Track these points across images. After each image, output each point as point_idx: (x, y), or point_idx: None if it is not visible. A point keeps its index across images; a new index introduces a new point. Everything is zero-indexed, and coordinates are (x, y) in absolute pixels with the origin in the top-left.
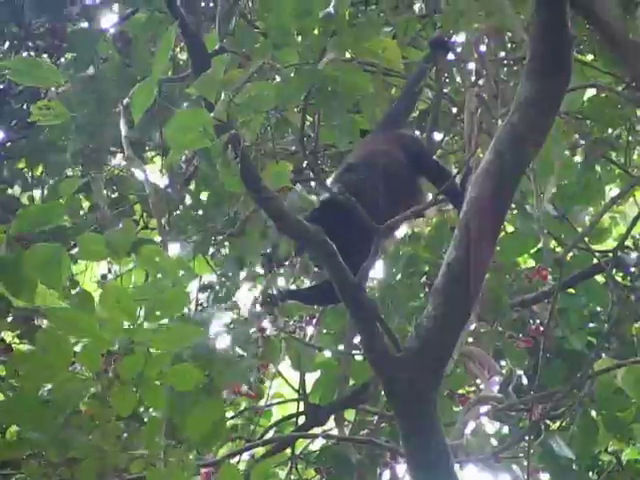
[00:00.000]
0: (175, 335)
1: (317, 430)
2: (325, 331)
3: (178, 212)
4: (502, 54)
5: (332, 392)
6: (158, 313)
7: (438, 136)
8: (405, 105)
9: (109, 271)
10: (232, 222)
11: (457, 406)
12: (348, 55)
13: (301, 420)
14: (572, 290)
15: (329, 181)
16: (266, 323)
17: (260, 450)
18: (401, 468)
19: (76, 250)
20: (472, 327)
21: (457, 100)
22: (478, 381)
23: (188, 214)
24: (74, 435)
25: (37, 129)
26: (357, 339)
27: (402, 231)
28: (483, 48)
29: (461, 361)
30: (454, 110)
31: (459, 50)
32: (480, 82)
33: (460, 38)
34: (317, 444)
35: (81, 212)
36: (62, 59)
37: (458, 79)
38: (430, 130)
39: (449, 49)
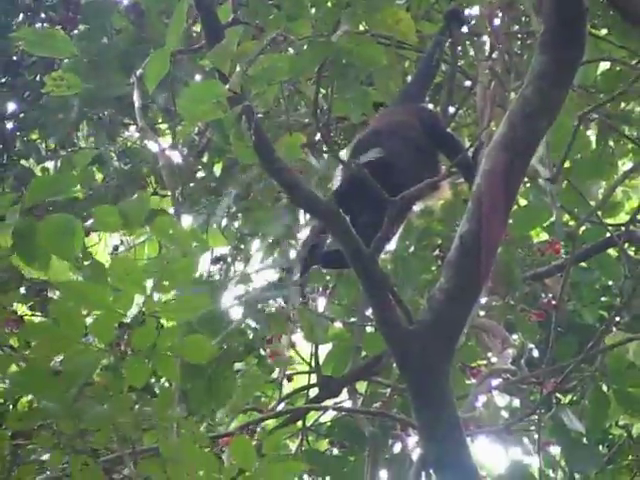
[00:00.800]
0: (185, 305)
1: (329, 402)
2: (337, 302)
3: (191, 184)
4: (516, 27)
5: (344, 364)
6: (166, 283)
7: (452, 109)
8: (423, 78)
9: (121, 243)
10: (245, 194)
11: (469, 379)
12: (362, 27)
13: (313, 392)
14: (584, 264)
15: (351, 148)
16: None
17: (271, 423)
18: (412, 440)
19: (90, 222)
20: (484, 300)
21: (471, 73)
22: (490, 354)
23: (201, 186)
24: (87, 406)
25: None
26: (369, 311)
27: (419, 205)
28: (497, 21)
29: (474, 334)
30: (468, 83)
31: (473, 23)
32: (493, 55)
33: (474, 11)
34: (328, 416)
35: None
36: (76, 31)
37: (472, 52)
38: (445, 103)
39: (464, 22)
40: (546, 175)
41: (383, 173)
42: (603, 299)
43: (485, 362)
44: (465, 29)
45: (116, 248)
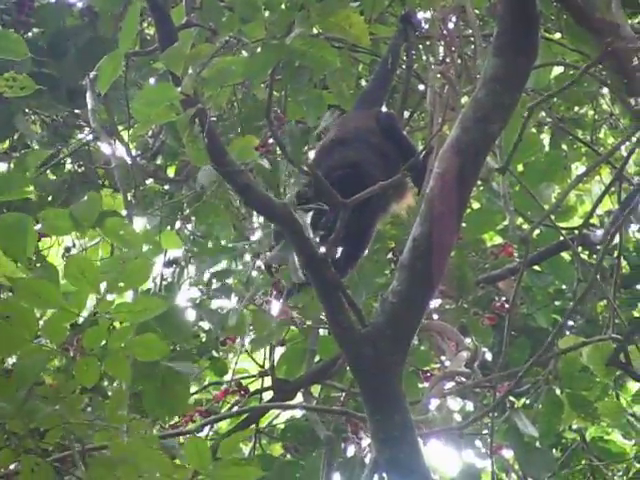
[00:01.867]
0: (139, 307)
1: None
2: (291, 305)
3: (144, 186)
4: (469, 31)
5: (298, 367)
6: (121, 285)
7: (406, 113)
8: (380, 83)
9: (73, 245)
10: (199, 196)
11: (422, 382)
12: (315, 30)
13: (267, 396)
14: (538, 267)
15: (312, 155)
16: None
17: (224, 426)
18: (365, 443)
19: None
20: (437, 303)
21: (425, 77)
22: (443, 358)
23: (154, 188)
24: (38, 406)
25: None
26: (323, 314)
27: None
28: (450, 25)
29: (427, 337)
30: (422, 87)
31: (427, 27)
32: (446, 59)
33: (428, 15)
34: (281, 420)
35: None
36: (29, 34)
37: (425, 56)
38: (399, 107)
39: (418, 26)
40: (495, 165)
41: (353, 178)
42: (556, 303)
43: (438, 366)
44: (419, 33)
45: (68, 250)
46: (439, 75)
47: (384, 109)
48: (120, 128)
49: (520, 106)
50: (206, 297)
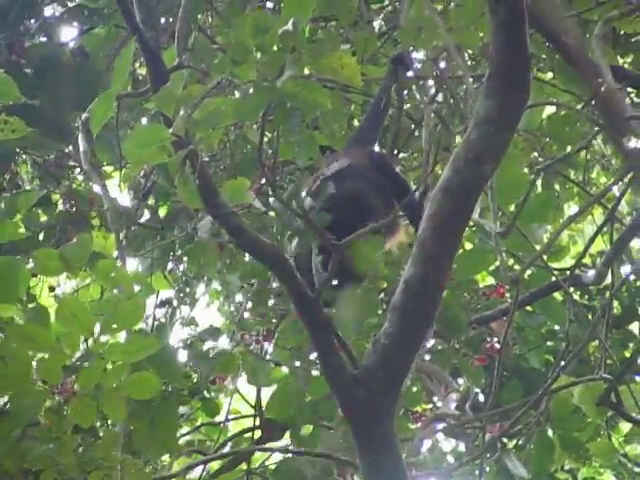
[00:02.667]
0: (132, 347)
1: (273, 445)
2: (282, 346)
3: (136, 227)
4: (460, 72)
5: (288, 407)
6: (115, 326)
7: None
8: (372, 123)
9: (58, 284)
10: (190, 237)
11: (412, 423)
12: (307, 71)
13: (257, 435)
14: (530, 308)
15: (314, 191)
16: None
17: (214, 465)
18: None
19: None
20: (429, 345)
21: (416, 116)
22: (435, 398)
23: (146, 229)
24: (31, 446)
25: None
26: (314, 355)
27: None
28: (442, 65)
29: (417, 379)
30: (412, 127)
31: (419, 67)
32: (438, 98)
33: (420, 55)
34: (273, 460)
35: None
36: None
37: (417, 96)
38: (391, 146)
39: (410, 66)
40: (492, 226)
41: (357, 211)
42: (549, 343)
43: (429, 406)
44: (411, 73)
45: (52, 289)
46: (433, 114)
47: (376, 149)
48: (112, 169)
49: (513, 147)
50: (197, 338)
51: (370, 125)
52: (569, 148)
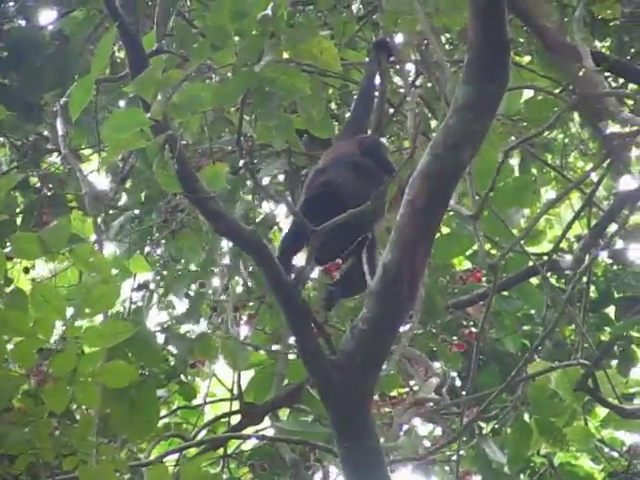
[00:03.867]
0: (108, 331)
1: (251, 429)
2: (261, 330)
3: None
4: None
5: (267, 391)
6: (88, 310)
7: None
8: (362, 110)
9: (33, 266)
10: (168, 222)
11: (389, 408)
12: (286, 56)
13: (235, 419)
14: (506, 292)
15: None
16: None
17: (192, 450)
18: (333, 469)
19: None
20: (406, 329)
21: (394, 101)
22: (412, 382)
23: (124, 213)
24: (7, 431)
25: None
26: (292, 339)
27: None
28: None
29: (395, 363)
30: (392, 111)
31: (400, 51)
32: (418, 82)
33: (400, 39)
34: (250, 444)
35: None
36: None
37: (396, 80)
38: (373, 132)
39: (392, 51)
40: (467, 212)
41: (327, 196)
42: (525, 327)
43: (406, 390)
44: (393, 58)
45: (27, 271)
46: (417, 97)
47: (367, 135)
48: (90, 152)
49: (491, 133)
50: (174, 322)
51: (361, 112)
52: (546, 133)
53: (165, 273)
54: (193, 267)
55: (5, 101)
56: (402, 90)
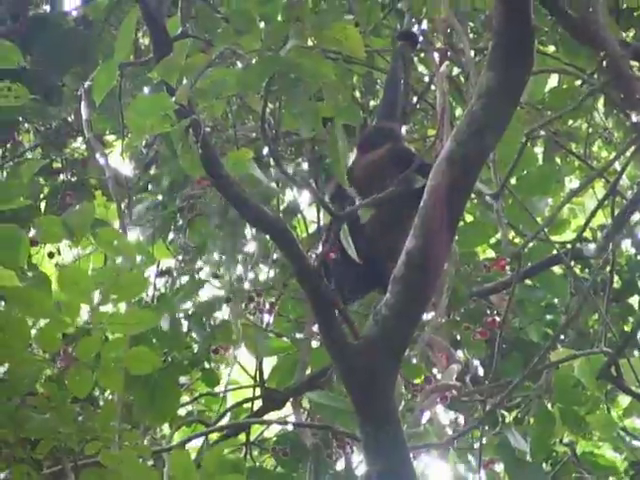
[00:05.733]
0: (132, 319)
1: (273, 415)
2: (284, 316)
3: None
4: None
5: (289, 378)
6: (114, 296)
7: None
8: (393, 97)
9: (58, 251)
10: (192, 207)
11: (412, 395)
12: (311, 42)
13: (257, 406)
14: (529, 281)
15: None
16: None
17: (214, 436)
18: (356, 456)
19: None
20: (430, 317)
21: (418, 89)
22: (435, 370)
23: (148, 199)
24: (30, 415)
25: None
26: (316, 326)
27: None
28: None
29: (418, 351)
30: (415, 99)
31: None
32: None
33: (425, 26)
34: (273, 430)
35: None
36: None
37: (420, 69)
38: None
39: (417, 41)
40: (489, 191)
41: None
42: (548, 316)
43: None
44: (419, 46)
45: (51, 255)
46: (446, 78)
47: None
48: (114, 138)
49: (515, 120)
50: (197, 308)
51: (392, 99)
52: (570, 122)
53: (188, 259)
54: (216, 254)
55: (26, 84)
56: (426, 79)
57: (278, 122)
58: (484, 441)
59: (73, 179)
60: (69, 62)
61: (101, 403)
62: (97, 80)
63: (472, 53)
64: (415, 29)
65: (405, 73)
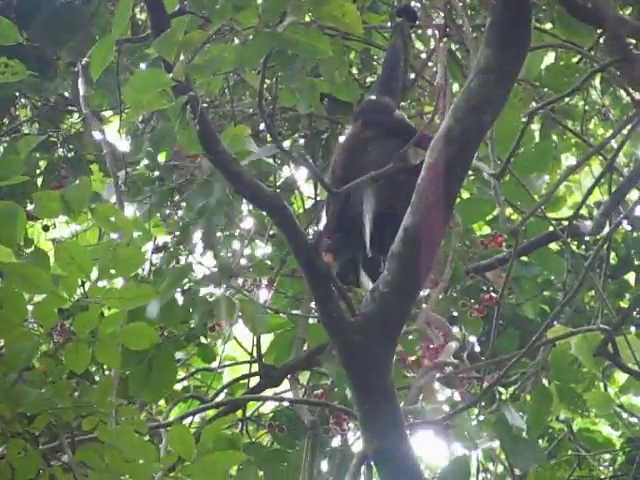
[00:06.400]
0: (129, 294)
1: (270, 392)
2: (282, 293)
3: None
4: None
5: (287, 355)
6: (112, 271)
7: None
8: (390, 74)
9: (53, 226)
10: (189, 183)
11: (409, 372)
12: (308, 18)
13: (253, 382)
14: (526, 258)
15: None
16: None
17: (211, 412)
18: (352, 433)
19: (30, 208)
20: (426, 293)
21: (416, 65)
22: (431, 346)
23: (144, 174)
24: (26, 391)
25: None
26: (313, 303)
27: None
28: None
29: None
30: (413, 76)
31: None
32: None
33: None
34: (269, 407)
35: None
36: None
37: (417, 45)
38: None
39: (415, 17)
40: (490, 171)
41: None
42: (545, 293)
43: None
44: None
45: (46, 229)
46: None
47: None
48: (111, 113)
49: (513, 96)
50: (194, 283)
51: (391, 75)
52: (567, 99)
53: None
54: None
55: (23, 60)
56: (424, 55)
57: (275, 98)
58: (481, 418)
59: (70, 154)
60: (64, 36)
61: (97, 378)
62: (94, 56)
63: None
64: (413, 4)
65: (404, 49)
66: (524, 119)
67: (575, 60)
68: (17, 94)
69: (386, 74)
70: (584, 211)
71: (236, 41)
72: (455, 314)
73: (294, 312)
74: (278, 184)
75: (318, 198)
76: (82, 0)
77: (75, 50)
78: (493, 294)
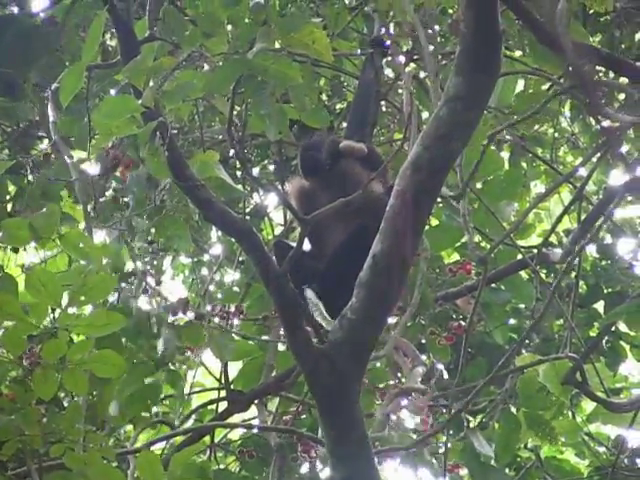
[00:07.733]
0: (99, 321)
1: (239, 417)
2: (250, 320)
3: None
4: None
5: (255, 381)
6: (83, 298)
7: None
8: (362, 107)
9: (24, 248)
10: (158, 210)
11: (377, 399)
12: (278, 45)
13: (222, 408)
14: (495, 285)
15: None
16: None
17: (179, 438)
18: (320, 459)
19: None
20: (394, 320)
21: (384, 91)
22: (399, 374)
23: (113, 201)
24: None
25: None
26: (281, 329)
27: None
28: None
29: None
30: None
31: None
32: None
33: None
34: (237, 432)
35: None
36: None
37: (387, 72)
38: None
39: (387, 48)
40: (449, 193)
41: None
42: (513, 320)
43: (394, 382)
44: (389, 54)
45: (16, 250)
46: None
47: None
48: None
49: (482, 124)
50: (163, 311)
51: (364, 106)
52: (537, 126)
53: (155, 263)
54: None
55: None
56: (391, 80)
57: (245, 124)
58: (449, 445)
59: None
60: (32, 57)
61: (65, 405)
62: (64, 82)
63: (439, 57)
64: (383, 33)
65: (376, 80)
66: (485, 142)
67: (545, 87)
68: None
69: (358, 105)
70: (553, 239)
71: (206, 67)
72: (424, 341)
73: (263, 338)
74: (247, 210)
75: (287, 225)
76: (51, 24)
77: (43, 71)
78: (462, 322)
